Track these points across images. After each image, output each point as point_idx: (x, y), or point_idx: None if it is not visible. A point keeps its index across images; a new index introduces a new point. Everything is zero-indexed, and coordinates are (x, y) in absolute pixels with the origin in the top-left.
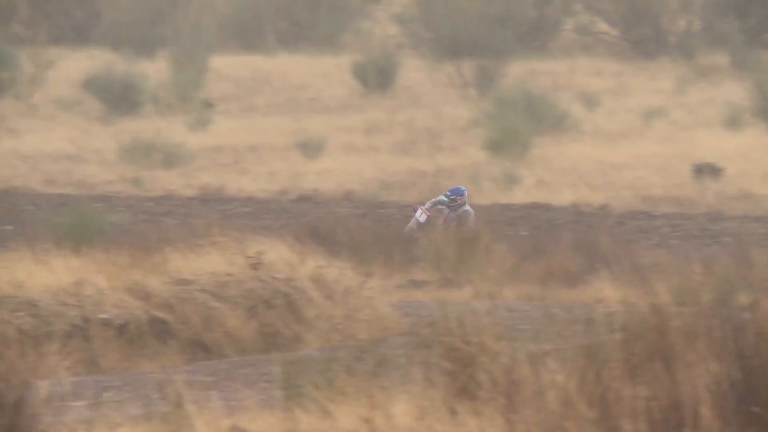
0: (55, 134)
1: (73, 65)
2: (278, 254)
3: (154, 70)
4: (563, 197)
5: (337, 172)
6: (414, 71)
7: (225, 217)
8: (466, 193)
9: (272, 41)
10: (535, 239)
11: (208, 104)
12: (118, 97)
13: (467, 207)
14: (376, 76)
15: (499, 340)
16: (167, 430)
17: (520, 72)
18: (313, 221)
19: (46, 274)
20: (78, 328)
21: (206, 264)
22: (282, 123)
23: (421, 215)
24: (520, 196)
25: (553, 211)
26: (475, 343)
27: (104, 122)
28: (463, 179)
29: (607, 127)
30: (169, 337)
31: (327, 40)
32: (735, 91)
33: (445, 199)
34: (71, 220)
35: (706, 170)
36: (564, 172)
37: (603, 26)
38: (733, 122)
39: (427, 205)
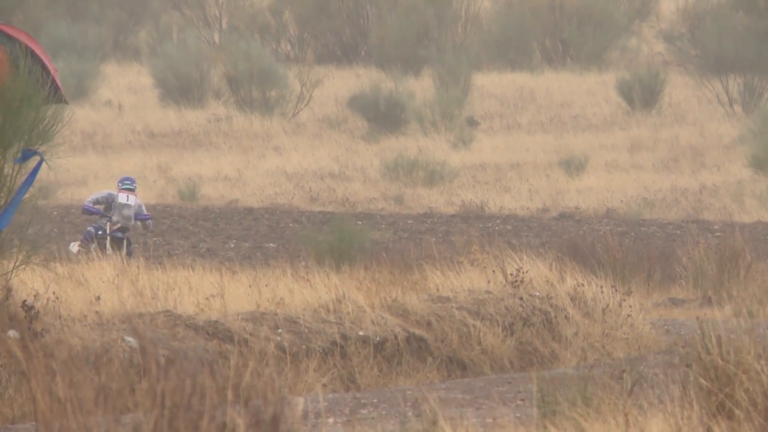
0: (320, 152)
1: (340, 83)
2: (537, 272)
3: (419, 88)
4: None
5: (599, 190)
6: (679, 88)
7: (485, 234)
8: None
9: (537, 59)
10: None
11: (472, 122)
12: (382, 115)
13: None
14: (641, 94)
15: (759, 359)
16: None
17: None
18: (574, 239)
19: (306, 292)
20: (336, 345)
21: (465, 281)
22: (545, 141)
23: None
24: None
25: None
26: (734, 361)
27: (368, 140)
28: (726, 197)
29: None
30: (426, 354)
31: (593, 58)
32: None
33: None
34: (333, 238)
35: None
36: None
37: None
38: None
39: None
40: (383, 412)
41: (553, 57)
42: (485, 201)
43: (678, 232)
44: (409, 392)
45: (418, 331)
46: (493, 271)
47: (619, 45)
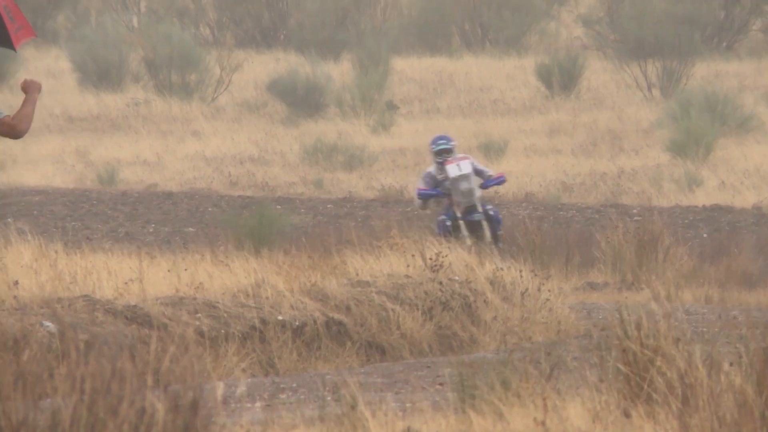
0: (239, 136)
1: (259, 68)
2: (457, 256)
3: (338, 73)
4: (746, 199)
5: (518, 174)
6: (598, 73)
7: (405, 219)
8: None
9: (457, 43)
10: (716, 241)
11: (391, 106)
12: (302, 100)
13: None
14: (560, 78)
15: (676, 344)
16: None
17: (705, 73)
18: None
19: (225, 276)
20: (255, 330)
21: (385, 266)
22: (464, 125)
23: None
24: (701, 198)
25: (735, 213)
26: (652, 346)
27: (288, 125)
28: (644, 181)
29: None
30: (345, 339)
31: (512, 42)
32: None
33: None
34: (252, 222)
35: None
36: (747, 174)
37: None
38: None
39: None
40: (302, 397)
41: (473, 41)
42: (405, 185)
43: (597, 216)
44: (329, 377)
45: (337, 316)
46: (413, 256)
47: (538, 29)
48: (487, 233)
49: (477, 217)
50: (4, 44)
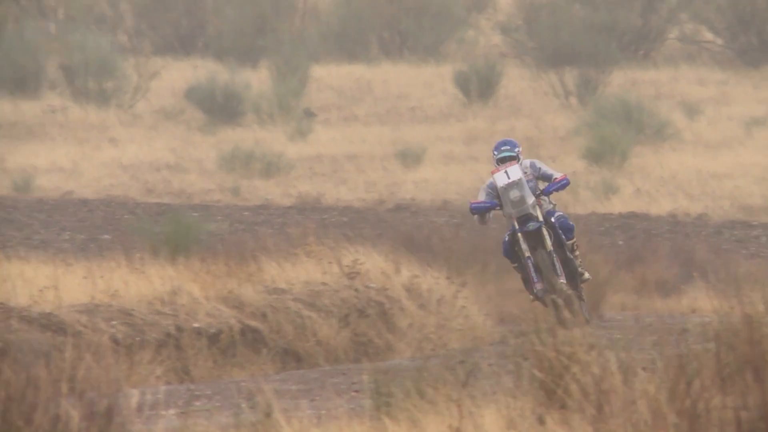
0: (156, 144)
1: (177, 75)
2: (373, 264)
3: (257, 80)
4: (661, 207)
5: (436, 182)
6: (516, 80)
7: (322, 226)
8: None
9: (375, 51)
10: (632, 249)
11: (309, 114)
12: (219, 107)
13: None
14: (478, 86)
15: (591, 350)
16: None
17: (622, 81)
18: (410, 231)
19: (141, 284)
20: (171, 337)
21: (301, 273)
22: (382, 132)
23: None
24: (617, 205)
25: (650, 220)
26: (567, 353)
27: (205, 132)
28: None
29: (708, 136)
30: (261, 345)
31: (430, 50)
32: None
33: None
34: (168, 229)
35: None
36: (663, 182)
37: (707, 35)
38: None
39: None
40: (218, 404)
41: (391, 49)
42: (322, 193)
43: None
44: (244, 384)
45: (253, 323)
46: (330, 263)
47: (457, 37)
48: (548, 242)
49: (532, 226)
50: None
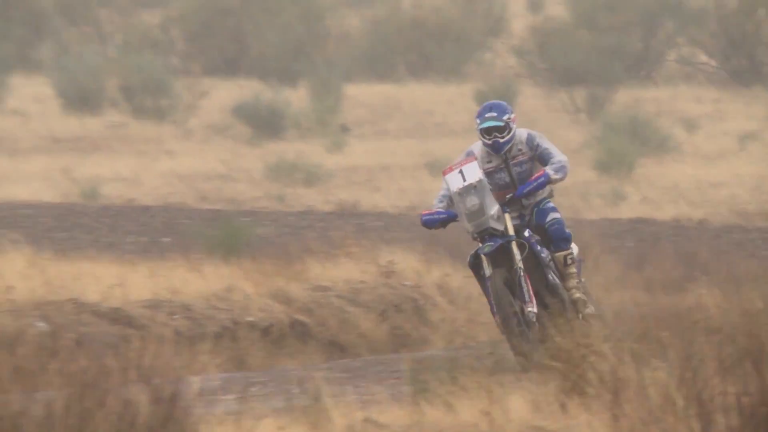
0: (208, 156)
1: (224, 94)
2: (408, 263)
3: (296, 98)
4: (665, 212)
5: None
6: (530, 98)
7: (359, 230)
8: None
9: (403, 71)
10: (640, 250)
11: (344, 129)
12: (264, 123)
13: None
14: None
15: (607, 342)
16: (306, 421)
17: (627, 99)
18: (439, 234)
19: (199, 281)
20: (227, 330)
21: (342, 272)
22: (411, 145)
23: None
24: (626, 211)
25: (656, 225)
26: (585, 344)
27: (252, 145)
28: (574, 196)
29: (705, 149)
30: (308, 338)
31: (452, 71)
32: None
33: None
34: (222, 233)
35: None
36: (666, 190)
37: (703, 57)
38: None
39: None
40: (271, 390)
41: (417, 70)
42: (358, 200)
43: None
44: (294, 372)
45: (300, 317)
46: (367, 263)
47: (476, 59)
48: (516, 257)
49: (488, 248)
50: None
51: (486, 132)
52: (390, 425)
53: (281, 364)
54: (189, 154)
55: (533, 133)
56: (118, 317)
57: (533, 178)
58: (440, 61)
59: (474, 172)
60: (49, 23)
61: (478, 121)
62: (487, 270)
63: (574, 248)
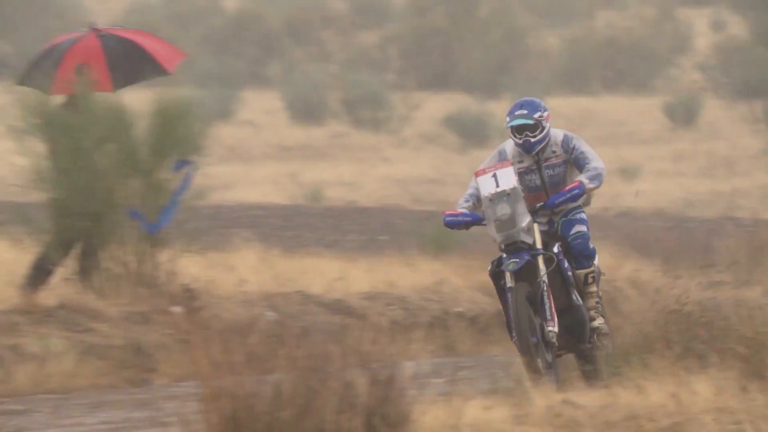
0: (421, 162)
1: (435, 106)
2: (601, 260)
3: (500, 110)
4: None
5: (650, 193)
6: (713, 110)
7: None
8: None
9: (597, 85)
10: None
11: None
12: (471, 132)
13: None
14: (682, 114)
15: None
16: (510, 402)
17: None
18: (631, 233)
19: (412, 275)
20: (438, 319)
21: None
22: (605, 153)
23: None
24: None
25: None
26: (764, 332)
27: (460, 152)
28: (754, 198)
29: None
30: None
31: (642, 85)
32: None
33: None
34: (433, 232)
35: None
36: None
37: None
38: None
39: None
40: (478, 374)
41: (610, 84)
42: None
43: (715, 227)
44: (499, 358)
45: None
46: None
47: (663, 74)
48: (541, 270)
49: (512, 265)
50: (158, 73)
51: (516, 130)
52: (587, 406)
53: (487, 351)
54: (404, 161)
55: (570, 134)
56: (339, 308)
57: (567, 188)
58: (631, 76)
59: (509, 179)
60: (278, 43)
61: (508, 118)
62: (509, 282)
63: (596, 265)
